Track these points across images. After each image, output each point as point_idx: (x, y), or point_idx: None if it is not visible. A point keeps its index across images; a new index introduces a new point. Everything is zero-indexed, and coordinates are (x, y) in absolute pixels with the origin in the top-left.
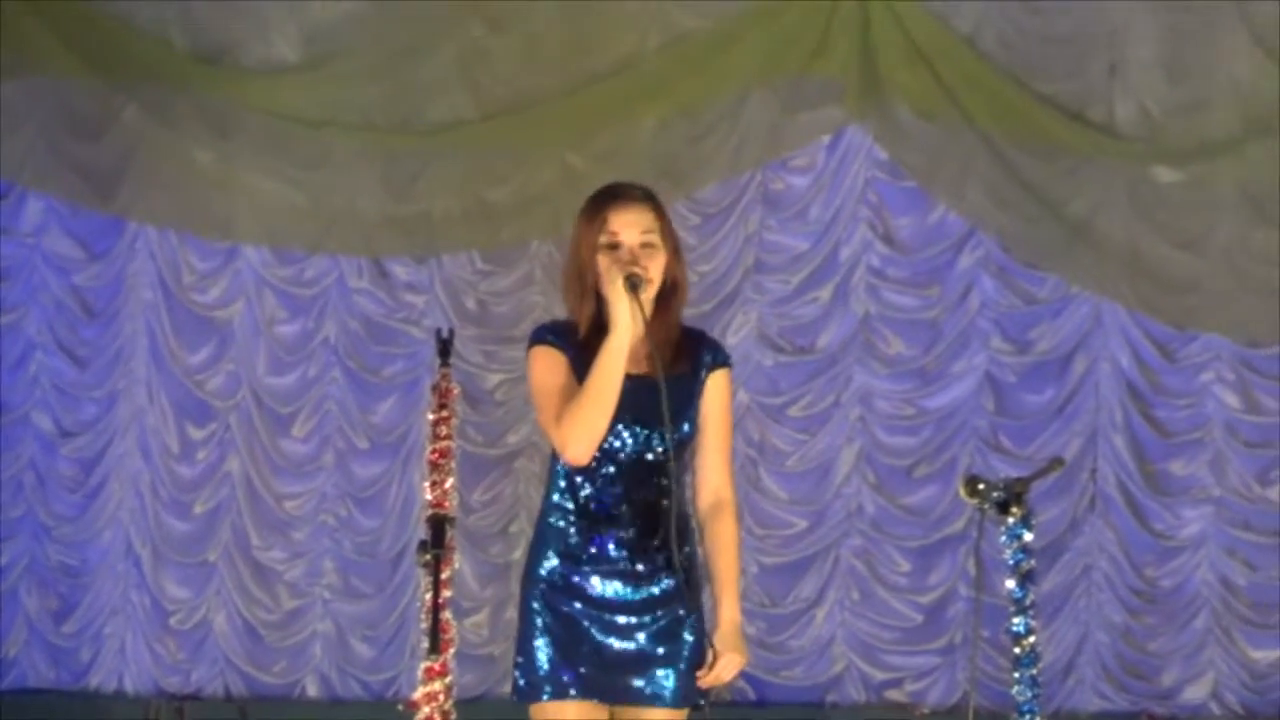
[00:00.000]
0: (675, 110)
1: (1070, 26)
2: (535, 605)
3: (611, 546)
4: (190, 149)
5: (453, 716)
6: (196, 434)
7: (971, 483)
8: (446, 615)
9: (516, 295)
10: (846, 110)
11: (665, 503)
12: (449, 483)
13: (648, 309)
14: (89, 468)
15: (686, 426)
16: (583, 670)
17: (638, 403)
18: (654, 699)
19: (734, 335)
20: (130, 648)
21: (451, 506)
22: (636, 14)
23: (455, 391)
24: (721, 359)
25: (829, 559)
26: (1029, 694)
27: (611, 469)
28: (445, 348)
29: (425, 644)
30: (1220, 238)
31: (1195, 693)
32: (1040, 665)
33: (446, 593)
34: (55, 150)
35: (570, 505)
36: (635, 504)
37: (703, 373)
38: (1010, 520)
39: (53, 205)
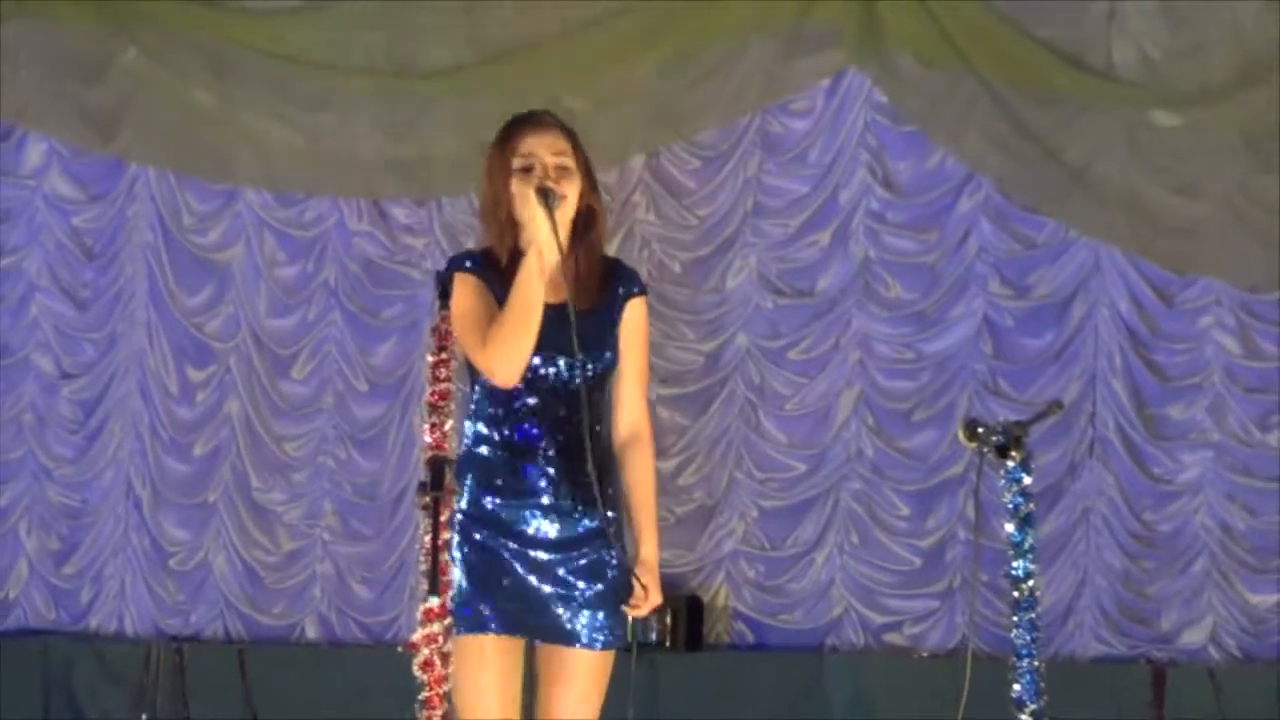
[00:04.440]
0: (674, 54)
1: None
2: (455, 537)
3: (534, 479)
4: (191, 91)
5: (451, 658)
6: (196, 376)
7: (970, 426)
8: (446, 557)
9: None
10: (846, 54)
11: (589, 436)
12: (448, 425)
13: (564, 231)
14: (89, 409)
15: (609, 356)
16: (502, 604)
17: (557, 330)
18: (577, 639)
19: (733, 279)
20: (130, 589)
21: (451, 448)
22: None
23: (455, 333)
24: (638, 287)
25: (828, 502)
26: (1028, 638)
27: (533, 400)
28: (445, 290)
29: (424, 586)
30: (1219, 182)
31: (1194, 637)
32: (1039, 609)
33: (446, 534)
34: (56, 92)
35: (495, 437)
36: (559, 436)
37: (620, 302)
38: (1009, 464)
39: (53, 147)
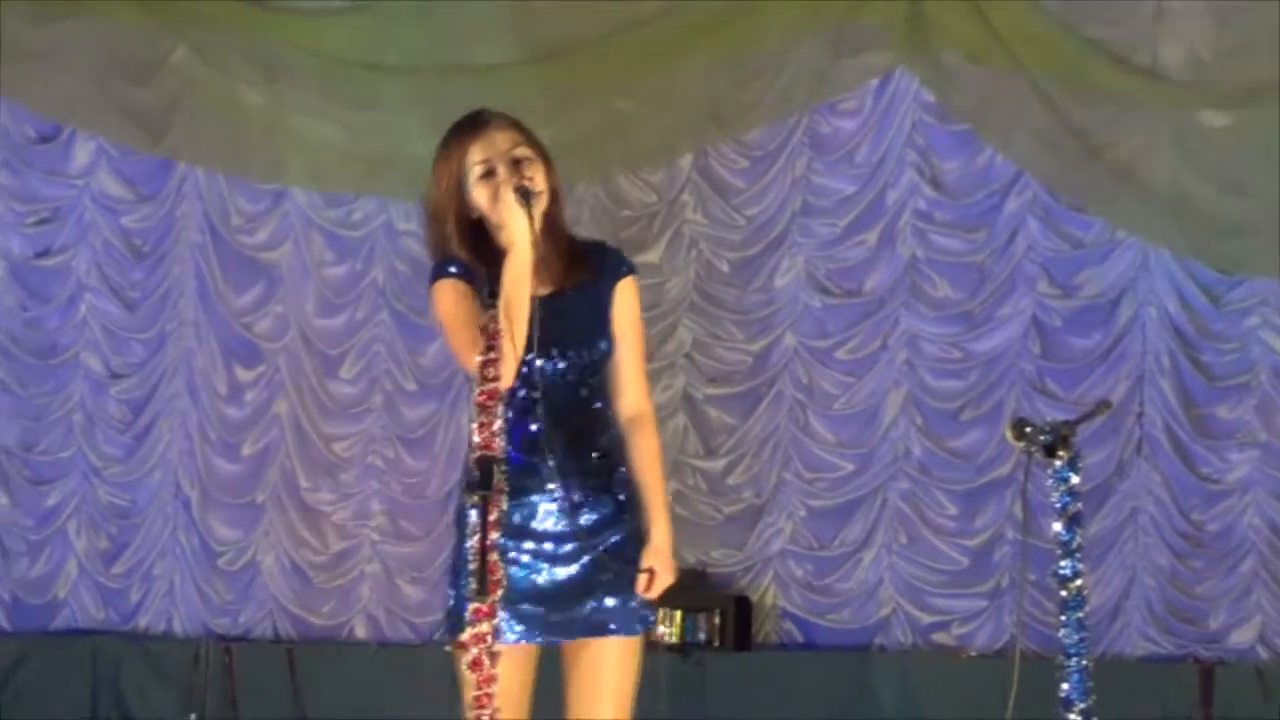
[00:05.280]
0: (723, 54)
1: None
2: (466, 547)
3: (543, 473)
4: (239, 90)
5: (500, 658)
6: (245, 375)
7: (1018, 426)
8: (494, 557)
9: None
10: (894, 54)
11: (594, 426)
12: (497, 424)
13: (539, 224)
14: (138, 409)
15: (604, 343)
16: (520, 610)
17: (548, 324)
18: (608, 627)
19: (781, 278)
20: (179, 589)
21: (500, 448)
22: None
23: None
24: (626, 267)
25: (876, 502)
26: (1075, 637)
27: (533, 394)
28: (493, 289)
29: (473, 586)
30: (1267, 182)
31: (1242, 636)
32: (1087, 609)
33: (495, 535)
34: (105, 92)
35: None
36: (563, 428)
37: (607, 285)
38: (1057, 463)
39: (102, 147)
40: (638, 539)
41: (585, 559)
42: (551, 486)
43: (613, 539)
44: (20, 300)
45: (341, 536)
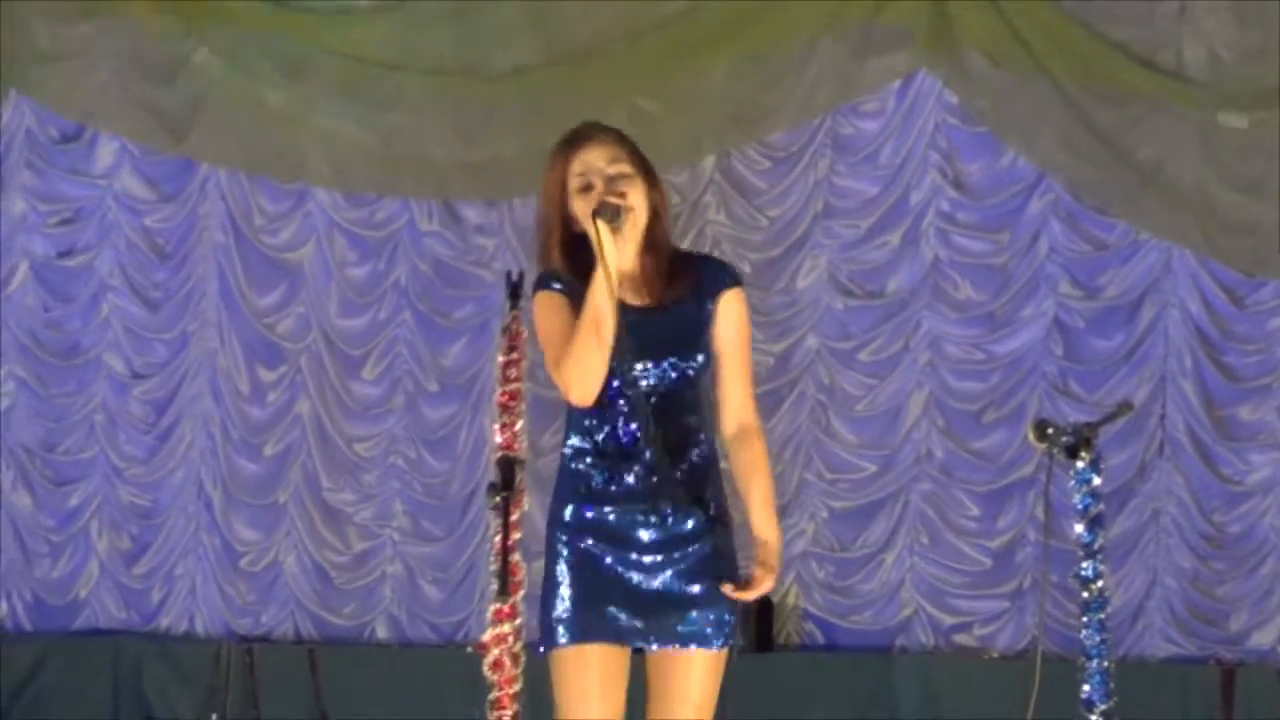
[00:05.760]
0: (746, 55)
1: None
2: (561, 550)
3: (634, 484)
4: (261, 91)
5: (522, 659)
6: (267, 376)
7: (1040, 427)
8: (516, 557)
9: None
10: (917, 55)
11: (687, 437)
12: (519, 425)
13: (638, 236)
14: (160, 409)
15: (700, 357)
16: (610, 614)
17: (645, 335)
18: (690, 639)
19: (804, 279)
20: (201, 589)
21: (521, 449)
22: None
23: (525, 334)
24: (730, 279)
25: (898, 503)
26: (1097, 639)
27: (627, 405)
28: (515, 290)
29: (495, 586)
30: None
31: (1263, 638)
32: (1109, 610)
33: (516, 535)
34: (127, 92)
35: (589, 447)
36: (654, 439)
37: (709, 298)
38: (1079, 465)
39: (125, 147)
40: (726, 553)
41: (672, 570)
42: (641, 496)
43: (701, 552)
44: (43, 301)
45: (363, 537)
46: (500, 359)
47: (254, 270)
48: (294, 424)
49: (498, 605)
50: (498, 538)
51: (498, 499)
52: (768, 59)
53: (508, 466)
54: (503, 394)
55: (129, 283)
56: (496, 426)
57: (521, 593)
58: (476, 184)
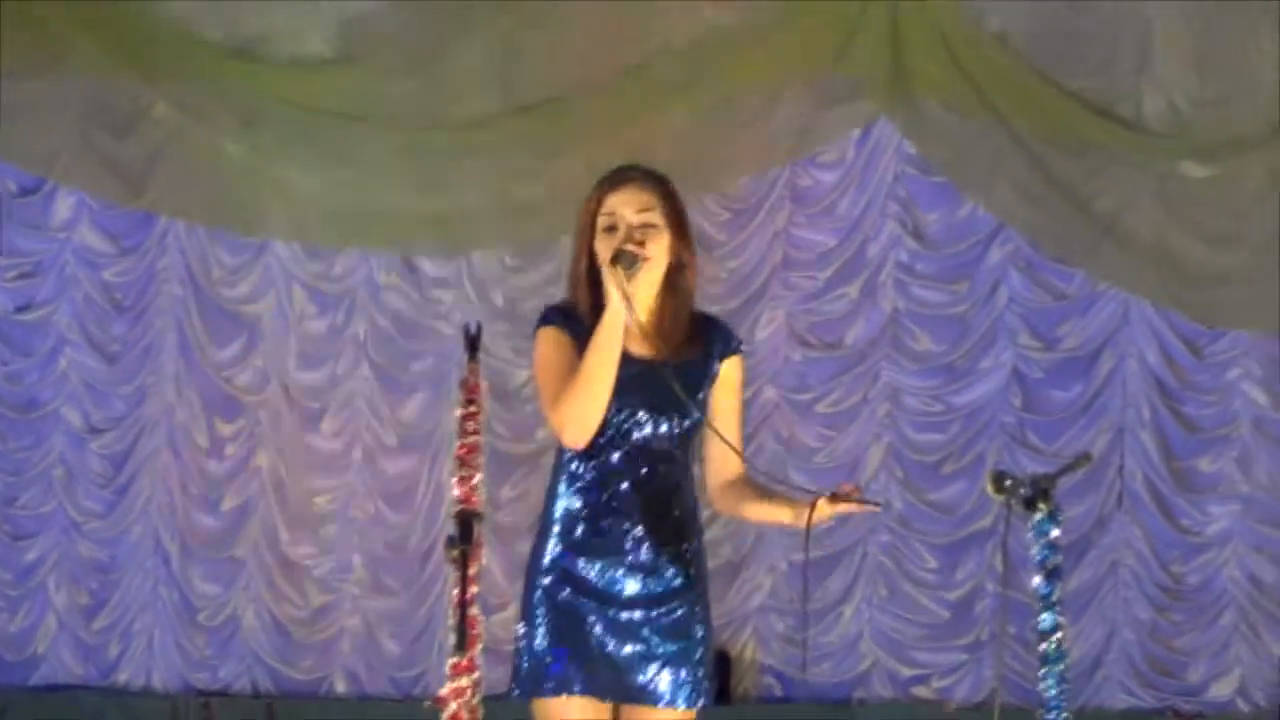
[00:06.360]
0: (706, 106)
1: (1099, 22)
2: (538, 596)
3: (618, 536)
4: (221, 143)
5: (480, 713)
6: (225, 429)
7: (998, 479)
8: (474, 611)
9: (545, 291)
10: (876, 105)
11: (674, 492)
12: (477, 479)
13: (653, 289)
14: (119, 463)
15: (696, 414)
16: (587, 665)
17: (646, 387)
18: (661, 698)
19: (762, 331)
20: (159, 644)
21: (480, 503)
22: (667, 9)
23: (483, 387)
24: (734, 346)
25: (856, 555)
26: (1056, 690)
27: (617, 455)
28: (473, 344)
29: (453, 640)
30: (1249, 234)
31: (1222, 689)
32: (1067, 662)
33: (474, 589)
34: (86, 145)
35: (576, 493)
36: (643, 492)
37: (714, 360)
38: (1037, 516)
39: (83, 200)
40: (702, 615)
41: (649, 627)
42: (626, 550)
43: (678, 610)
44: (0, 355)
45: (322, 591)
46: (458, 412)
47: (212, 323)
48: (252, 477)
49: (456, 659)
50: (456, 591)
51: (456, 553)
52: (728, 109)
53: (466, 520)
54: (461, 447)
55: (87, 336)
56: (455, 480)
57: (480, 646)
58: (435, 237)
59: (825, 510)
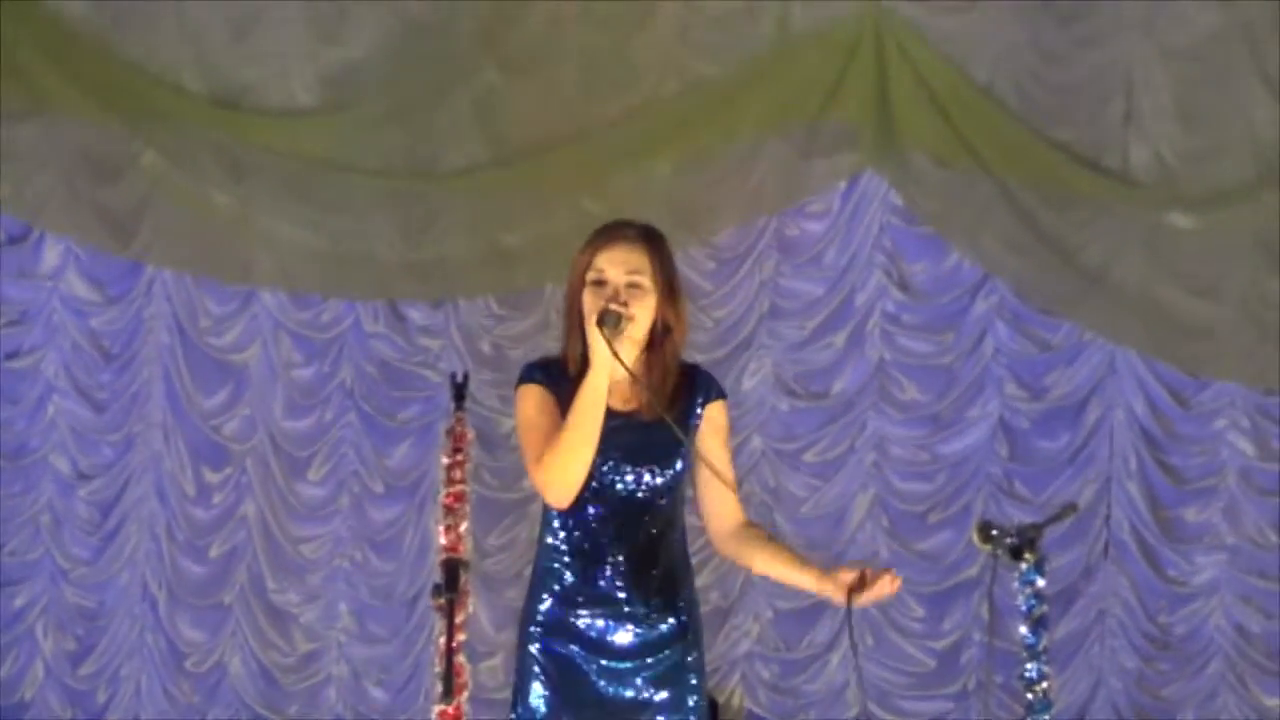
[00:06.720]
0: (691, 156)
1: (1086, 74)
2: (532, 649)
3: (608, 588)
4: (208, 192)
5: None
6: (213, 477)
7: (984, 529)
8: (461, 659)
9: (532, 339)
10: (862, 156)
11: (661, 543)
12: (463, 526)
13: (635, 348)
14: (106, 510)
15: (679, 464)
16: (580, 712)
17: (627, 441)
18: None
19: (749, 380)
20: (146, 690)
21: (466, 550)
22: (652, 60)
23: (470, 435)
24: (716, 392)
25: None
26: None
27: (603, 509)
28: (460, 392)
29: (440, 688)
30: (1236, 285)
31: None
32: (1053, 711)
33: (461, 637)
34: (73, 193)
35: (564, 546)
36: (630, 544)
37: (697, 408)
38: (1023, 566)
39: (70, 248)
40: (695, 663)
41: (642, 676)
42: (615, 600)
43: (671, 659)
44: None
45: (309, 638)
46: (445, 460)
47: (200, 372)
48: (239, 525)
49: (442, 707)
50: (442, 639)
51: (442, 601)
52: (714, 159)
53: (452, 568)
54: (447, 495)
55: (75, 384)
56: (441, 528)
57: (466, 694)
58: (422, 285)
59: (860, 599)
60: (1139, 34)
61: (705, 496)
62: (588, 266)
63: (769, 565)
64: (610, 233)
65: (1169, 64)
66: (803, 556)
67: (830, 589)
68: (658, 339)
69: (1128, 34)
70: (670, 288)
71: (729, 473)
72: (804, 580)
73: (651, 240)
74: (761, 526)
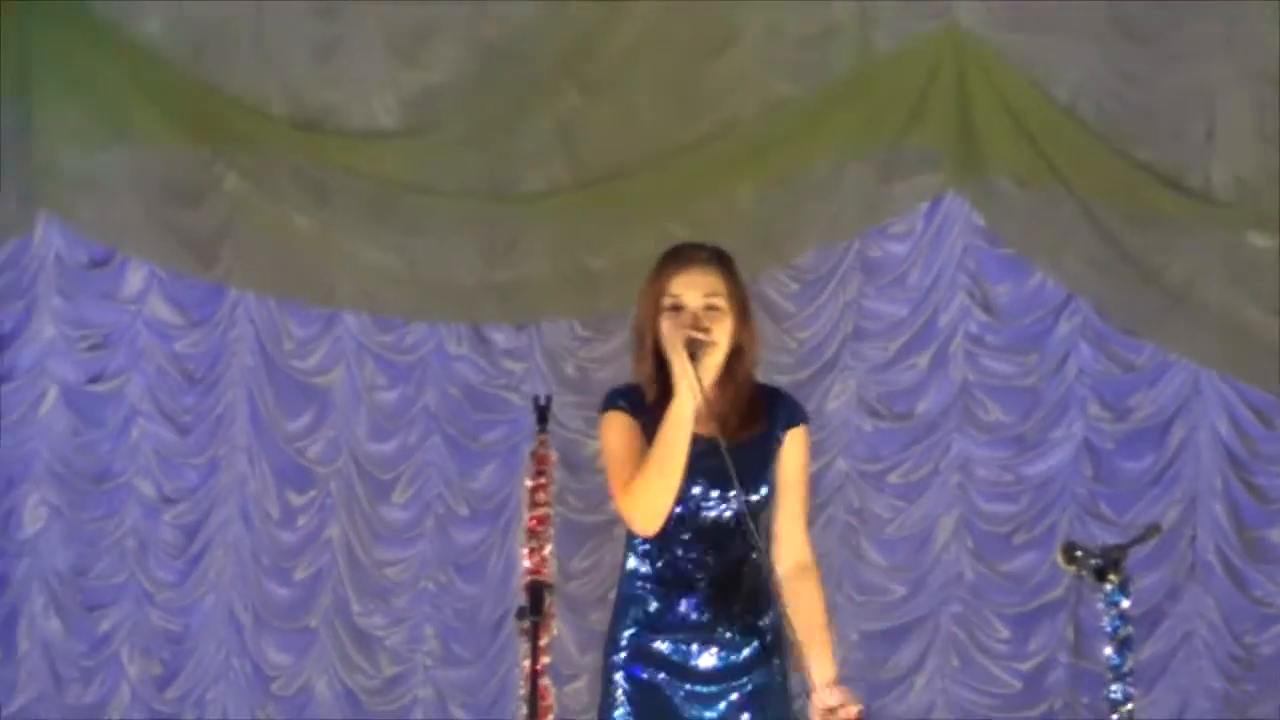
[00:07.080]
0: (773, 178)
1: (1167, 94)
2: (617, 675)
3: (692, 612)
4: (290, 215)
5: None
6: (297, 500)
7: (1069, 550)
8: (545, 682)
9: (616, 362)
10: (944, 178)
11: (745, 567)
12: (547, 549)
13: (716, 372)
14: (191, 534)
15: (765, 489)
16: None
17: (712, 466)
18: None
19: (833, 401)
20: (232, 714)
21: (550, 573)
22: (734, 82)
23: (553, 458)
24: (798, 417)
25: (928, 626)
26: None
27: (688, 534)
28: (543, 414)
29: (524, 711)
30: None
31: None
32: None
33: (545, 659)
34: (155, 217)
35: (648, 571)
36: (714, 568)
37: (779, 432)
38: (1108, 587)
39: (154, 272)
40: (780, 685)
41: (726, 700)
42: (700, 624)
43: (755, 682)
44: (73, 425)
45: (394, 661)
46: (528, 483)
47: (283, 394)
48: (324, 548)
49: None
50: (527, 662)
51: (527, 624)
52: (795, 182)
53: (536, 591)
54: (531, 518)
55: (159, 407)
56: (525, 551)
57: (551, 717)
58: (504, 307)
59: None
60: (1218, 55)
61: (775, 522)
62: (662, 292)
63: (795, 630)
64: (682, 256)
65: (1248, 83)
66: (821, 654)
67: (814, 704)
68: (730, 362)
69: (1207, 55)
70: (744, 308)
71: (803, 502)
72: (806, 666)
73: (723, 262)
74: (812, 593)
